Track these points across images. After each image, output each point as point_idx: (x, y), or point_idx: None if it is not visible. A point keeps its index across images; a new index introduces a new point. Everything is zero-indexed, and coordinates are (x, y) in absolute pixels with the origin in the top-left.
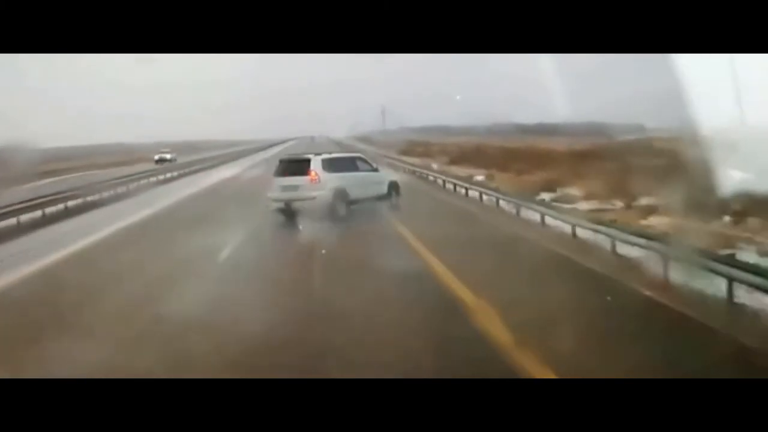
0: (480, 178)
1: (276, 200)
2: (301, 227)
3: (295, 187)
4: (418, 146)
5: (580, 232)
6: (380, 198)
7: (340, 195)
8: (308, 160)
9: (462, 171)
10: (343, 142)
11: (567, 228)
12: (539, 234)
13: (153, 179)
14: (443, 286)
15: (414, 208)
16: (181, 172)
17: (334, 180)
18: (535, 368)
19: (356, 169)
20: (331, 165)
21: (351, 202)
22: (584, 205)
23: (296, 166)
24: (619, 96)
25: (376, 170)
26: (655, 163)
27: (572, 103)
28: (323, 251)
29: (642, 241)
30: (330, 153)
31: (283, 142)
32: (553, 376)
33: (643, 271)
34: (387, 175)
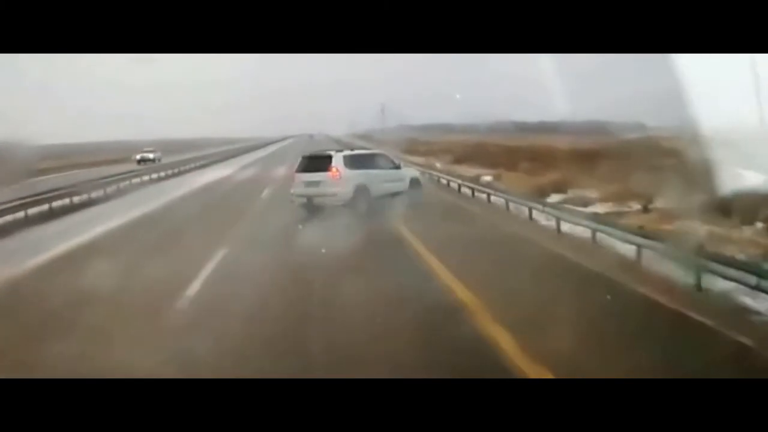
0: (488, 178)
1: (299, 196)
2: (301, 226)
3: (316, 183)
4: (420, 144)
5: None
6: (402, 194)
7: (361, 191)
8: (330, 157)
9: (468, 170)
10: (342, 140)
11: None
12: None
13: (136, 180)
14: None
15: (444, 229)
16: (168, 172)
17: (355, 177)
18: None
19: (378, 166)
20: (352, 162)
21: (372, 199)
22: (599, 208)
23: (318, 162)
24: (618, 95)
25: (398, 167)
26: (665, 162)
27: (572, 102)
28: (323, 250)
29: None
30: (353, 150)
31: (281, 140)
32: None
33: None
34: (408, 171)
